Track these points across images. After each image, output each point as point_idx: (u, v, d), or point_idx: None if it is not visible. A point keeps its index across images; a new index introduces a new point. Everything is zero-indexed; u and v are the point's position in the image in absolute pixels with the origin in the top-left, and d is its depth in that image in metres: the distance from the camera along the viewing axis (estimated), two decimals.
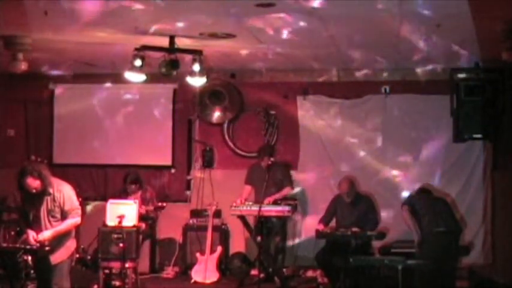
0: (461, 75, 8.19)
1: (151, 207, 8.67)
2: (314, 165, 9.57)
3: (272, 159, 8.48)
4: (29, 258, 5.93)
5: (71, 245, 6.08)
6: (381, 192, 9.02)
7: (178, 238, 9.55)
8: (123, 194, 8.80)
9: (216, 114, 9.74)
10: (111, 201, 8.01)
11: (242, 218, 8.70)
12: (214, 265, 8.74)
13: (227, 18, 6.48)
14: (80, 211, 6.07)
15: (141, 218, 8.29)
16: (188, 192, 9.91)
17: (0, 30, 7.10)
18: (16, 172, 5.84)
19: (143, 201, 8.69)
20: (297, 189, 9.39)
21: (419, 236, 7.49)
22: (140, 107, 10.01)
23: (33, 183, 5.76)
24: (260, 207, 8.03)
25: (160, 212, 9.11)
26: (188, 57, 7.57)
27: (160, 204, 8.78)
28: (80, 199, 6.52)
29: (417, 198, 7.74)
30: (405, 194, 9.03)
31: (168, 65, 7.38)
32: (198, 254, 8.87)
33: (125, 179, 8.92)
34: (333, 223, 8.33)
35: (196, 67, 7.59)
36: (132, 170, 9.23)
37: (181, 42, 7.34)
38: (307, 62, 8.96)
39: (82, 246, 8.12)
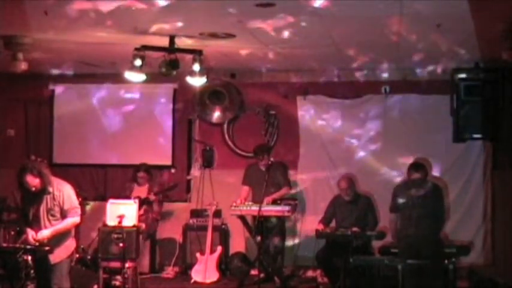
0: (461, 75, 8.18)
1: (157, 192, 9.00)
2: (314, 165, 9.58)
3: (272, 159, 8.50)
4: (29, 258, 5.93)
5: (70, 244, 6.09)
6: (380, 192, 8.98)
7: (178, 238, 9.56)
8: (129, 185, 9.07)
9: (216, 114, 9.74)
10: (111, 201, 8.01)
11: (242, 218, 8.70)
12: (214, 265, 8.75)
13: (227, 18, 6.48)
14: (79, 210, 6.09)
15: (147, 202, 8.80)
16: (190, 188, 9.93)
17: (0, 30, 7.10)
18: (16, 172, 5.85)
19: (151, 189, 9.00)
20: (297, 189, 9.42)
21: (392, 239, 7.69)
22: (140, 106, 10.02)
23: (33, 181, 5.77)
24: (260, 207, 8.04)
25: (163, 207, 9.27)
26: (188, 57, 7.56)
27: (171, 184, 9.21)
28: (80, 199, 6.54)
29: (402, 195, 7.50)
30: None
31: (168, 65, 7.38)
32: (198, 254, 8.88)
33: (137, 168, 9.13)
34: (333, 223, 8.34)
35: (196, 67, 7.58)
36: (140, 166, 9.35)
37: (181, 42, 7.35)
38: (307, 62, 8.96)
39: (82, 246, 8.12)
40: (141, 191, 8.98)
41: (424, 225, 7.20)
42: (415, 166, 7.49)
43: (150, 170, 9.19)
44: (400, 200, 7.41)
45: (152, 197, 8.88)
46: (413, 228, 7.23)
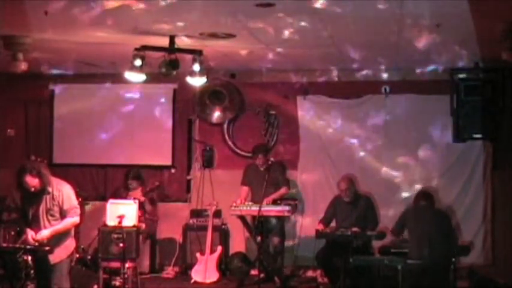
0: (461, 75, 8.20)
1: (146, 193, 8.77)
2: (314, 165, 9.57)
3: (272, 159, 8.50)
4: (29, 258, 5.93)
5: (70, 244, 6.10)
6: (380, 192, 9.02)
7: (178, 238, 9.56)
8: (123, 191, 8.86)
9: (216, 114, 9.74)
10: (111, 201, 8.02)
11: (242, 218, 8.70)
12: (214, 265, 8.75)
13: (227, 18, 6.48)
14: (78, 210, 6.09)
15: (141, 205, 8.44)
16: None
17: (0, 30, 7.10)
18: (15, 172, 5.85)
19: (144, 192, 8.82)
20: (296, 189, 9.42)
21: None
22: (140, 106, 10.02)
23: (32, 181, 5.77)
24: (260, 207, 8.04)
25: (156, 196, 9.13)
26: (188, 57, 7.56)
27: (157, 184, 8.86)
28: (80, 199, 6.53)
29: (408, 222, 7.66)
30: (405, 194, 9.07)
31: (168, 65, 7.37)
32: (198, 254, 8.88)
33: (127, 175, 8.99)
34: (333, 223, 8.34)
35: (196, 67, 7.58)
36: (135, 167, 9.26)
37: (181, 42, 7.35)
38: (307, 62, 8.96)
39: (82, 246, 8.13)
40: (135, 194, 8.91)
41: (436, 243, 7.24)
42: (423, 195, 7.70)
43: (140, 175, 9.06)
44: (409, 223, 7.57)
45: (142, 199, 8.80)
46: (424, 245, 7.25)
